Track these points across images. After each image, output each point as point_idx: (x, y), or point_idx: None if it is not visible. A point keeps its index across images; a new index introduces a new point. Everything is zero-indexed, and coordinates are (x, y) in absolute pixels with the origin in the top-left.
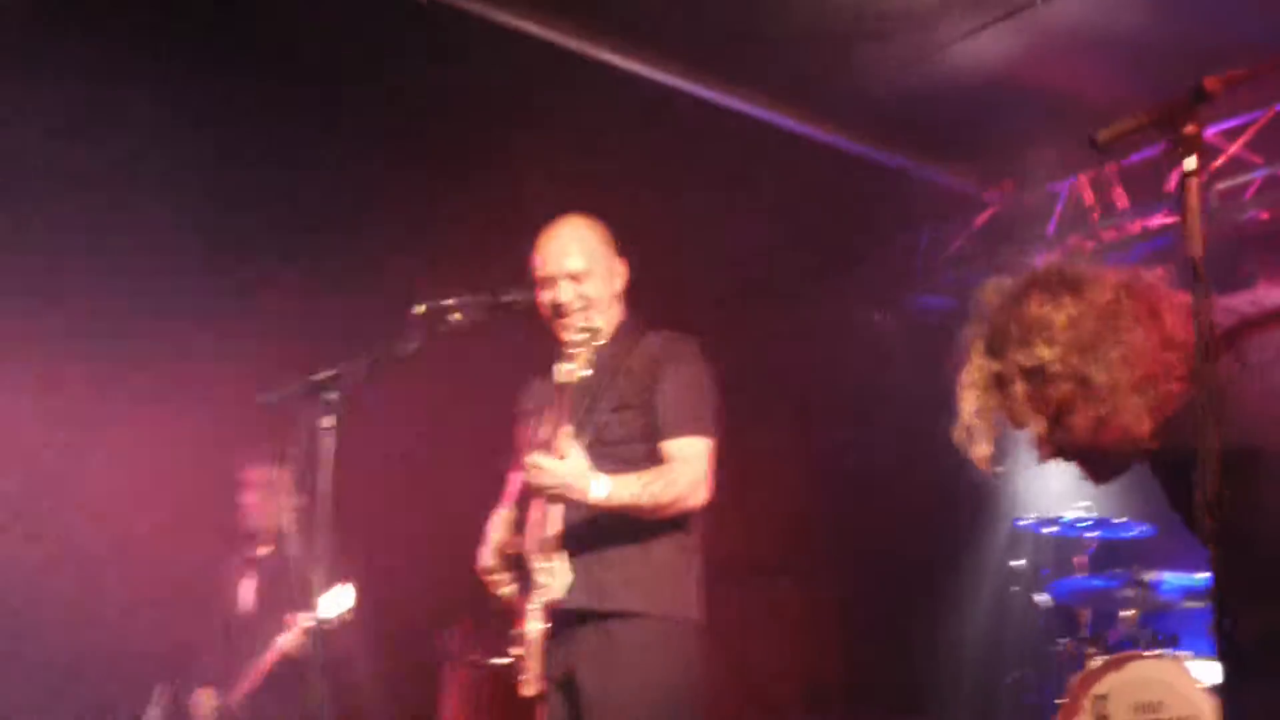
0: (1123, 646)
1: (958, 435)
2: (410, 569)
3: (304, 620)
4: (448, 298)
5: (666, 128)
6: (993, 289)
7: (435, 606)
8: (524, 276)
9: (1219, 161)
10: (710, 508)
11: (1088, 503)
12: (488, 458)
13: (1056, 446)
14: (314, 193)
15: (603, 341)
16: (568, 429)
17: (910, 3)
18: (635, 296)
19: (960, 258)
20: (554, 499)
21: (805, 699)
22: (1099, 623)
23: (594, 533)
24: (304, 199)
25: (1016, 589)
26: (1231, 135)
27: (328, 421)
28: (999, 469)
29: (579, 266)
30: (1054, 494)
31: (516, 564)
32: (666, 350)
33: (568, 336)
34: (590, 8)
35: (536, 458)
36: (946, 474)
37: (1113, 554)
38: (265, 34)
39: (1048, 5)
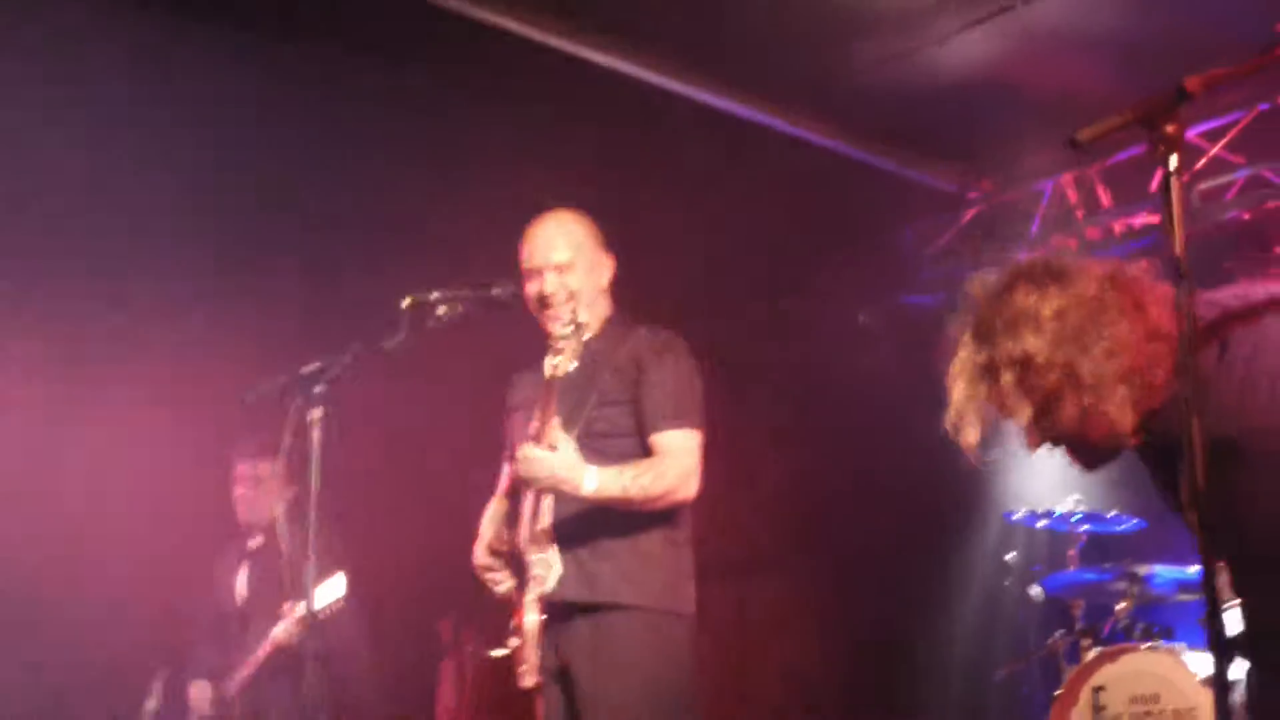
0: (1116, 639)
1: (947, 423)
2: (407, 561)
3: (298, 611)
4: (435, 291)
5: (651, 126)
6: (980, 281)
7: (432, 598)
8: (512, 271)
9: (1202, 162)
10: (700, 504)
11: (1078, 496)
12: (480, 450)
13: (1044, 435)
14: (312, 188)
15: (590, 335)
16: (556, 422)
17: (896, 2)
18: (621, 293)
19: (945, 256)
20: (545, 491)
21: (799, 695)
22: (1092, 616)
23: (585, 525)
24: (303, 194)
25: (1009, 583)
26: (1214, 136)
27: (317, 414)
28: (988, 458)
29: (564, 258)
30: (1045, 487)
31: (511, 559)
32: (653, 344)
33: (554, 329)
34: (582, 7)
35: (528, 449)
36: (936, 469)
37: (1105, 547)
38: (263, 30)
39: (1029, 7)
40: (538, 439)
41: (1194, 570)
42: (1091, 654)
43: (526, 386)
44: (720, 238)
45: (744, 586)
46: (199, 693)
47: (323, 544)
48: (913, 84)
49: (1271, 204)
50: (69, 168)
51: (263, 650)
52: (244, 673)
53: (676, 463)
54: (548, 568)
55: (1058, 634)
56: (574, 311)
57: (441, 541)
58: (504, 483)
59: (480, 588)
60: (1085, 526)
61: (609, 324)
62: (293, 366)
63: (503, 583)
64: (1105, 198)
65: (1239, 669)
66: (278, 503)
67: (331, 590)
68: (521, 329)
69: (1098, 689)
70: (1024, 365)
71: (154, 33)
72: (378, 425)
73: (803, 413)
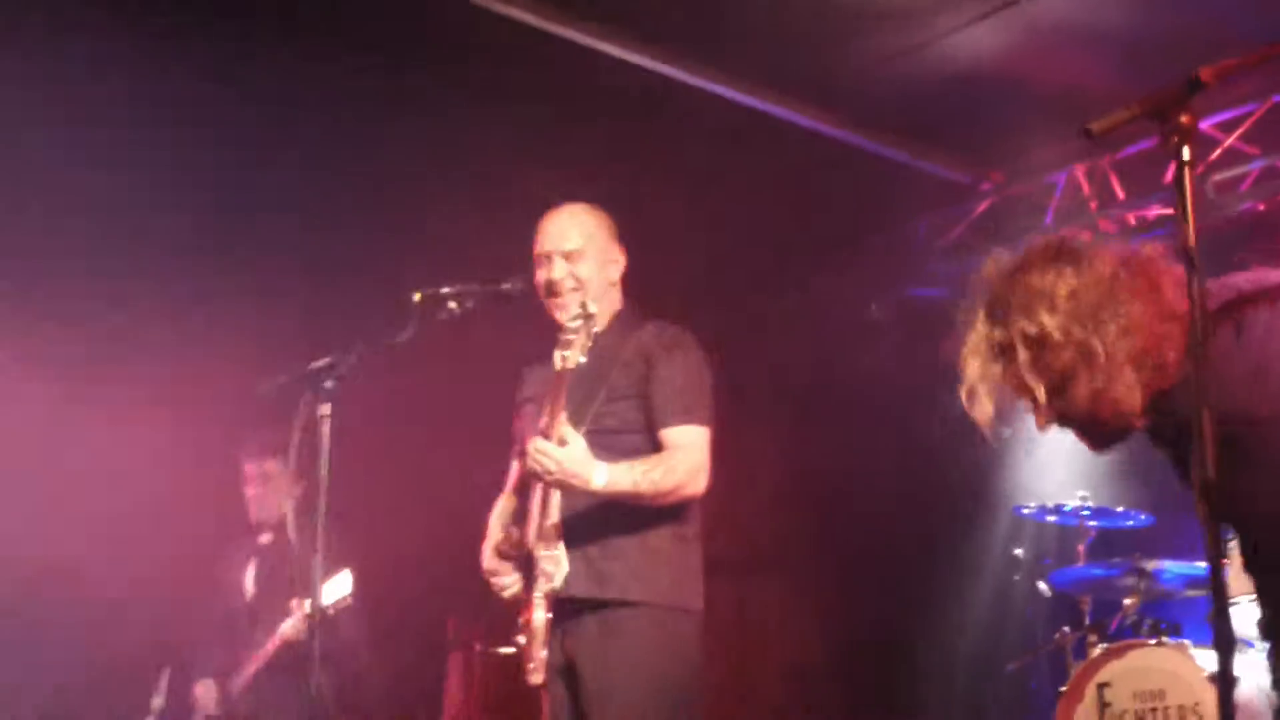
0: (1124, 635)
1: (961, 400)
2: (414, 557)
3: (305, 607)
4: (445, 286)
5: (660, 118)
6: (994, 260)
7: (440, 595)
8: (523, 266)
9: (1216, 153)
10: (708, 501)
11: (1086, 492)
12: (489, 445)
13: (1056, 415)
14: (312, 188)
15: (599, 328)
16: (565, 417)
17: None
18: (631, 288)
19: (957, 249)
20: (554, 486)
21: (800, 694)
22: (1100, 611)
23: (594, 521)
24: (303, 194)
25: (1018, 578)
26: (1228, 127)
27: (326, 410)
28: (1003, 433)
29: (574, 246)
30: (1054, 482)
31: (520, 558)
32: (663, 340)
33: (562, 319)
34: None
35: (537, 444)
36: (942, 464)
37: (1113, 543)
38: (263, 30)
39: (1033, 1)
40: (546, 433)
41: (1202, 566)
42: (1097, 650)
43: (536, 381)
44: (729, 232)
45: (745, 584)
46: (204, 692)
47: (330, 540)
48: (925, 76)
49: None
50: (69, 168)
51: (270, 645)
52: (250, 668)
53: (686, 458)
54: (556, 565)
55: (1065, 629)
56: (583, 303)
57: (451, 537)
58: (512, 479)
59: (488, 585)
60: (1094, 522)
61: (618, 318)
62: (302, 362)
63: (509, 587)
64: (1119, 190)
65: (1244, 664)
66: (286, 499)
67: (339, 587)
68: (528, 326)
69: (1103, 685)
70: (1039, 344)
71: (154, 32)
72: (382, 422)
73: (806, 408)
